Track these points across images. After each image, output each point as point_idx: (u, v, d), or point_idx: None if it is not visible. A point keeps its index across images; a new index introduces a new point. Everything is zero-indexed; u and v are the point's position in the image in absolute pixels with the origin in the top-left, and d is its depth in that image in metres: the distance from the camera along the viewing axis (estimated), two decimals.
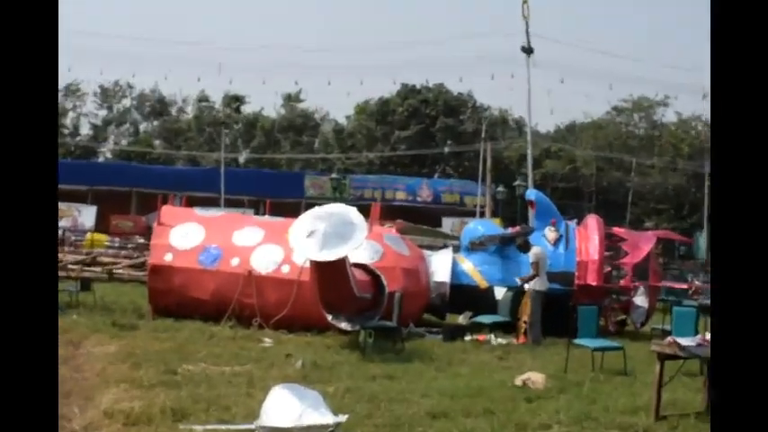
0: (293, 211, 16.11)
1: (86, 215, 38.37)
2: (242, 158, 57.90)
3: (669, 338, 7.98)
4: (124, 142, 61.44)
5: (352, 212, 11.27)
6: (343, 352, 11.39)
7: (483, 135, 45.40)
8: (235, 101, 59.72)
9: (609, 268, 16.19)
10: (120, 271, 21.91)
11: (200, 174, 45.31)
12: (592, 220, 15.94)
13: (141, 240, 27.53)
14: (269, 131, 58.25)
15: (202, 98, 61.38)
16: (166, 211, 15.17)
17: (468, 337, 13.51)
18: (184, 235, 14.31)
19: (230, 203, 38.71)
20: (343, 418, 6.08)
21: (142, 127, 64.29)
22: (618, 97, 56.00)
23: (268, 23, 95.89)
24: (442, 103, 55.49)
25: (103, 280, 16.33)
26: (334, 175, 40.87)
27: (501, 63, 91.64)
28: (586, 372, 10.35)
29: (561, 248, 15.12)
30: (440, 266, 15.46)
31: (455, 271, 15.44)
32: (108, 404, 7.30)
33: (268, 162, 55.18)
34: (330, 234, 10.66)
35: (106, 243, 27.01)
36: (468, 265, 15.56)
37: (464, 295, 15.21)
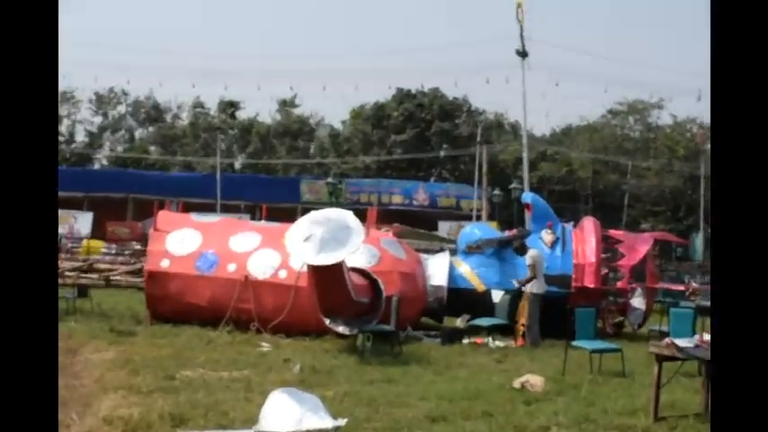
0: (290, 216, 16.07)
1: (82, 222, 38.32)
2: (238, 164, 57.88)
3: (667, 340, 8.00)
4: (120, 149, 61.36)
5: (349, 217, 11.27)
6: (341, 356, 11.39)
7: (479, 139, 45.45)
8: (230, 107, 59.75)
9: (606, 270, 16.22)
10: (117, 277, 21.84)
11: (196, 179, 45.27)
12: (588, 223, 15.96)
13: (138, 247, 27.44)
14: (264, 137, 58.24)
15: (197, 104, 61.37)
16: (163, 216, 15.17)
17: (465, 341, 13.52)
18: (181, 241, 14.30)
19: (227, 209, 38.67)
20: (342, 421, 6.09)
21: (137, 133, 64.22)
22: (613, 100, 56.24)
23: (262, 29, 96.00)
24: (437, 108, 55.55)
25: (100, 286, 16.30)
26: (330, 180, 40.85)
27: (496, 67, 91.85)
28: (584, 374, 10.36)
29: (558, 251, 15.14)
30: (437, 270, 15.46)
31: (452, 274, 15.45)
32: (107, 411, 7.29)
33: (264, 167, 55.15)
34: (327, 238, 10.66)
35: (103, 250, 26.98)
36: (465, 269, 15.57)
37: (461, 298, 15.21)
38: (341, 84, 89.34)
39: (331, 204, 33.79)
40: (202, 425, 6.92)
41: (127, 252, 26.73)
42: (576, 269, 14.90)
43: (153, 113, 63.23)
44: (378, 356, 11.29)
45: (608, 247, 16.30)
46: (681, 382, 9.06)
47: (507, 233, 16.58)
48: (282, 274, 13.52)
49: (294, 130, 59.14)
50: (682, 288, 22.30)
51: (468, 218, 40.82)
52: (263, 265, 13.71)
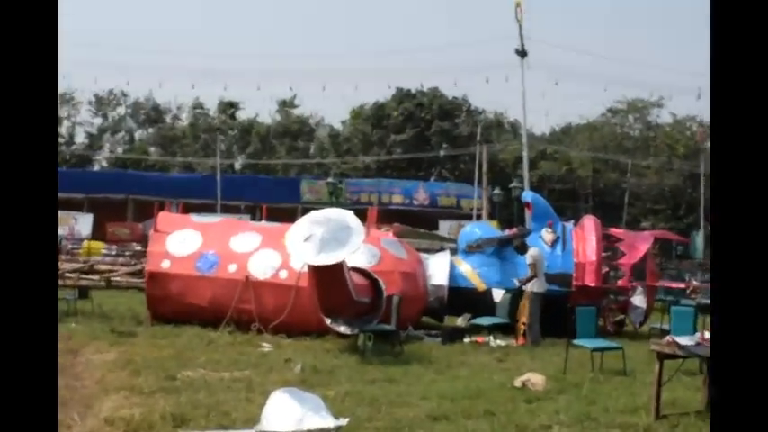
0: (290, 217, 16.08)
1: (83, 223, 38.31)
2: (238, 164, 57.87)
3: (668, 338, 8.00)
4: (119, 150, 61.35)
5: (349, 217, 11.27)
6: (342, 355, 11.39)
7: (478, 138, 45.45)
8: (230, 107, 59.73)
9: (606, 269, 16.22)
10: (118, 278, 21.86)
11: (196, 180, 45.28)
12: (588, 222, 15.97)
13: (138, 248, 27.48)
14: (264, 137, 58.22)
15: (197, 105, 61.35)
16: (163, 217, 15.17)
17: (466, 340, 13.53)
18: (181, 242, 14.31)
19: (227, 209, 38.68)
20: (344, 421, 6.08)
21: (137, 135, 64.20)
22: (613, 99, 56.22)
23: (262, 29, 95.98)
24: (437, 107, 55.54)
25: (101, 288, 16.30)
26: (330, 180, 40.82)
27: (495, 66, 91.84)
28: (586, 372, 10.36)
29: (558, 250, 15.14)
30: (437, 269, 15.47)
31: (453, 274, 15.45)
32: (108, 411, 7.30)
33: (264, 168, 55.14)
34: (327, 238, 10.66)
35: (103, 251, 27.00)
36: (465, 268, 15.56)
37: (462, 298, 15.21)
38: (340, 84, 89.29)
39: (331, 204, 33.79)
40: (204, 425, 6.93)
41: (127, 253, 26.76)
42: (577, 268, 14.91)
43: (153, 114, 63.20)
44: (379, 356, 11.29)
45: (608, 245, 16.30)
46: (682, 380, 9.07)
47: (508, 232, 16.59)
48: (283, 275, 13.52)
49: (294, 130, 59.12)
50: (682, 286, 22.29)
51: (469, 217, 40.83)
52: (263, 266, 13.72)
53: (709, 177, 38.09)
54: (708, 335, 7.37)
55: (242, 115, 60.93)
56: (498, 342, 13.42)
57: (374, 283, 13.14)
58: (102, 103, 61.99)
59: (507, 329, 14.10)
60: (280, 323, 13.18)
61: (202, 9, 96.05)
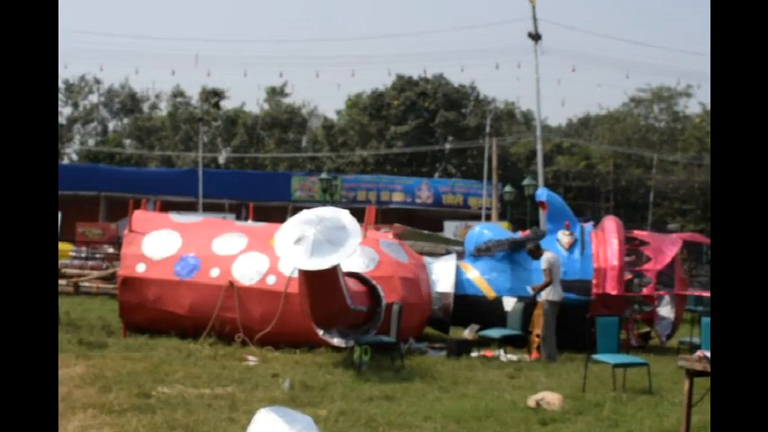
0: (279, 216, 16.05)
1: None
2: (222, 158, 57.90)
3: (698, 353, 7.94)
4: (91, 142, 61.42)
5: (345, 216, 11.24)
6: (336, 371, 11.38)
7: (487, 130, 45.43)
8: (213, 95, 59.73)
9: (630, 275, 16.17)
10: (88, 284, 21.87)
11: (175, 176, 45.25)
12: (610, 222, 15.93)
13: (111, 250, 27.39)
14: (251, 128, 58.24)
15: (177, 93, 61.39)
16: (138, 217, 15.13)
17: (474, 354, 13.51)
18: (158, 243, 14.31)
19: (209, 208, 38.69)
20: None
21: (111, 125, 64.27)
22: (636, 87, 56.28)
23: (248, 10, 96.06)
24: (441, 96, 55.55)
25: (69, 294, 16.30)
26: (323, 176, 40.77)
27: (506, 51, 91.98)
28: (607, 391, 10.34)
29: (576, 254, 15.11)
30: (442, 275, 15.44)
31: (459, 280, 15.42)
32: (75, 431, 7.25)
33: (251, 162, 55.18)
34: (320, 240, 10.63)
35: (71, 253, 26.89)
36: (473, 274, 15.53)
37: (470, 307, 15.19)
38: (335, 70, 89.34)
39: (325, 203, 33.79)
40: None
41: (98, 256, 26.68)
42: (597, 274, 14.87)
43: (128, 103, 63.24)
44: (377, 371, 11.28)
45: (632, 249, 16.25)
46: None
47: (520, 234, 16.53)
48: (271, 280, 13.52)
49: (284, 121, 59.15)
50: None
51: (477, 217, 40.81)
52: (249, 270, 13.71)
53: None
54: None
55: (227, 104, 61.02)
56: (509, 356, 13.40)
57: (372, 290, 13.11)
58: (72, 91, 62.06)
59: (520, 342, 14.09)
60: (267, 334, 13.17)
61: None
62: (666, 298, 15.84)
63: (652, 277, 15.75)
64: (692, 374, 7.70)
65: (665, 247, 15.98)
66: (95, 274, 23.17)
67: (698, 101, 61.51)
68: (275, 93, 60.96)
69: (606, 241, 15.26)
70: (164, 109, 63.38)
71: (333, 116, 61.48)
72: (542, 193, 17.10)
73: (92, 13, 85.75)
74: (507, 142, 51.32)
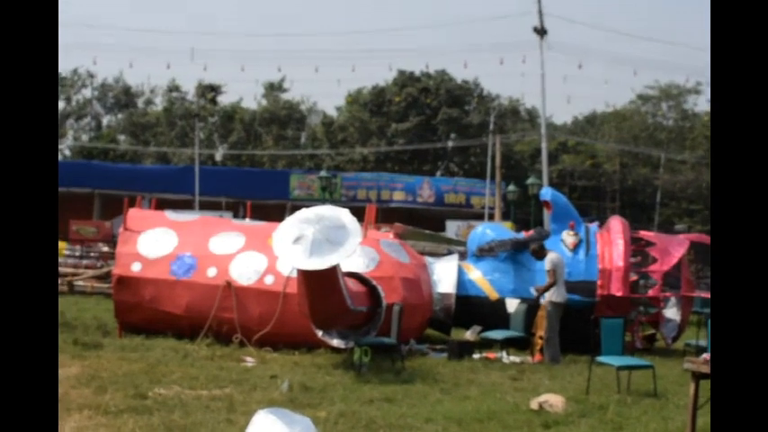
0: (277, 215, 16.11)
1: None
2: (219, 155, 57.86)
3: (704, 355, 8.00)
4: (85, 138, 61.38)
5: (345, 215, 11.27)
6: (335, 372, 11.41)
7: (491, 127, 45.45)
8: (210, 90, 59.68)
9: (635, 277, 16.22)
10: (82, 283, 21.94)
11: (171, 173, 45.26)
12: (616, 223, 15.97)
13: (105, 248, 27.48)
14: (249, 125, 58.22)
15: (173, 87, 61.34)
16: (134, 214, 15.17)
17: (476, 355, 13.54)
18: (154, 242, 14.33)
19: (206, 206, 38.68)
20: None
21: (105, 120, 64.24)
22: (644, 84, 56.15)
23: (247, 3, 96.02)
24: (444, 92, 55.52)
25: (63, 293, 16.35)
26: (323, 174, 40.80)
27: (511, 46, 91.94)
28: (611, 393, 10.38)
29: (581, 254, 15.15)
30: (444, 276, 15.48)
31: (461, 281, 15.46)
32: None
33: (248, 159, 55.17)
34: (320, 240, 10.66)
35: (65, 252, 26.96)
36: (475, 274, 15.57)
37: (472, 308, 15.22)
38: (335, 65, 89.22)
39: (324, 201, 33.80)
40: None
41: (93, 254, 26.78)
42: (602, 275, 14.90)
43: (122, 98, 63.22)
44: (377, 373, 11.31)
45: (638, 250, 16.29)
46: None
47: (523, 234, 16.58)
48: (269, 280, 13.54)
49: (282, 117, 59.11)
50: None
51: (480, 217, 40.83)
52: (247, 270, 13.74)
53: None
54: None
55: (224, 100, 60.99)
56: (512, 358, 13.44)
57: (372, 290, 13.15)
58: (65, 85, 62.01)
59: (522, 344, 14.12)
60: (265, 335, 13.20)
61: None
62: (672, 300, 15.86)
63: (658, 279, 15.78)
64: (698, 377, 7.76)
65: (672, 248, 16.02)
66: (90, 273, 23.23)
67: (707, 99, 61.35)
68: (273, 88, 60.90)
69: (612, 242, 15.30)
70: (159, 104, 63.36)
71: (332, 112, 61.48)
72: (547, 193, 17.15)
73: (85, 4, 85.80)
74: (511, 140, 51.29)
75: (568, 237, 15.36)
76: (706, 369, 7.65)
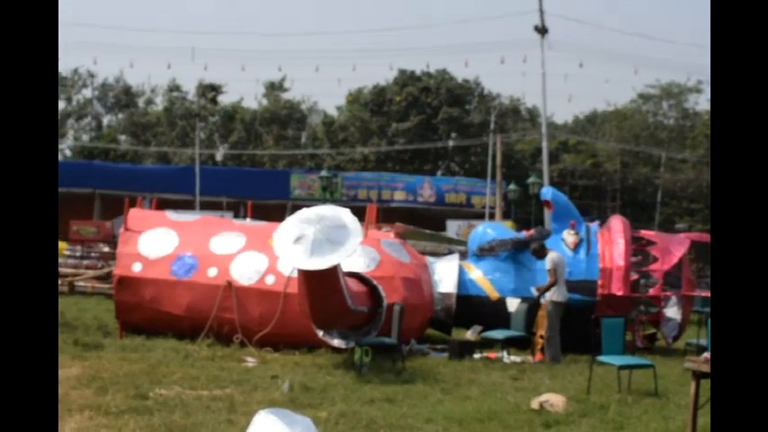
0: (278, 214, 16.12)
1: None
2: (219, 155, 57.85)
3: (705, 354, 8.01)
4: (85, 138, 61.39)
5: (345, 215, 11.28)
6: (336, 372, 11.42)
7: (492, 127, 45.44)
8: (210, 90, 59.70)
9: (636, 276, 16.22)
10: (83, 283, 21.95)
11: (172, 173, 45.27)
12: (616, 222, 15.97)
13: (106, 249, 27.49)
14: (249, 124, 58.22)
15: (173, 87, 61.35)
16: (134, 215, 15.18)
17: (477, 355, 13.55)
18: (155, 242, 14.34)
19: (207, 206, 38.70)
20: None
21: (106, 120, 64.25)
22: (644, 83, 56.19)
23: (247, 2, 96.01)
24: (445, 92, 55.53)
25: (64, 294, 16.36)
26: (323, 173, 40.81)
27: (512, 45, 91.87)
28: (612, 393, 10.39)
29: (582, 254, 15.15)
30: (445, 275, 15.49)
31: (462, 280, 15.47)
32: None
33: (249, 159, 55.18)
34: (320, 239, 10.67)
35: (66, 252, 26.98)
36: (476, 274, 15.58)
37: (472, 308, 15.23)
38: (336, 64, 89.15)
39: (325, 201, 33.81)
40: None
41: (93, 255, 26.79)
42: (603, 274, 14.91)
43: (123, 98, 63.22)
44: (378, 373, 11.32)
45: (638, 249, 16.29)
46: None
47: (524, 234, 16.58)
48: (270, 280, 13.55)
49: (283, 116, 59.12)
50: None
51: (480, 216, 40.83)
52: (247, 270, 13.74)
53: None
54: None
55: (224, 99, 61.01)
56: (513, 358, 13.44)
57: (373, 290, 13.15)
58: (65, 85, 62.02)
59: (523, 344, 14.12)
60: (266, 335, 13.20)
61: None
62: (673, 299, 15.86)
63: (659, 278, 15.78)
64: (699, 376, 7.76)
65: (673, 248, 16.03)
66: (90, 273, 23.24)
67: (708, 97, 61.35)
68: (274, 87, 60.90)
69: (612, 241, 15.30)
70: (159, 104, 63.38)
71: (333, 112, 61.51)
72: (547, 192, 17.15)
73: (85, 4, 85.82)
74: (512, 139, 51.29)
75: (569, 236, 15.36)
76: (707, 368, 7.65)
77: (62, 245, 29.03)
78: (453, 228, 38.63)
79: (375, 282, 13.28)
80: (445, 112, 54.22)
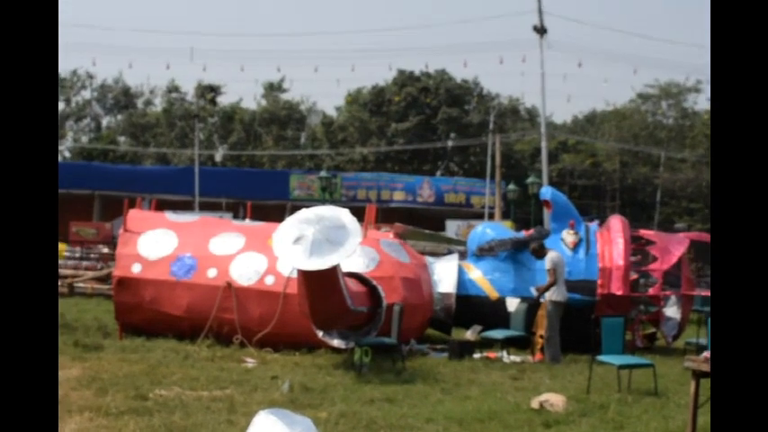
0: (277, 215, 16.12)
1: None
2: (218, 156, 57.86)
3: (705, 354, 8.01)
4: (84, 139, 61.39)
5: (345, 215, 11.28)
6: (336, 373, 11.42)
7: (491, 127, 45.47)
8: (209, 91, 59.68)
9: (636, 275, 16.22)
10: (82, 284, 21.95)
11: (171, 174, 45.28)
12: (616, 222, 15.97)
13: (105, 250, 27.49)
14: (249, 125, 58.23)
15: (172, 88, 61.35)
16: (133, 216, 15.18)
17: (477, 355, 13.55)
18: (154, 243, 14.34)
19: (206, 206, 38.69)
20: None
21: (105, 122, 64.25)
22: (644, 82, 56.18)
23: (246, 3, 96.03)
24: (444, 92, 55.54)
25: (64, 295, 16.36)
26: (323, 174, 40.81)
27: (511, 45, 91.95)
28: (612, 392, 10.39)
29: (581, 253, 15.15)
30: (444, 275, 15.49)
31: (462, 280, 15.47)
32: None
33: (248, 160, 55.19)
34: (320, 240, 10.68)
35: (65, 253, 26.98)
36: (476, 274, 15.58)
37: (472, 307, 15.23)
38: (335, 65, 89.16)
39: (324, 201, 33.81)
40: None
41: (93, 256, 26.79)
42: (602, 274, 14.91)
43: (122, 99, 63.21)
44: (378, 373, 11.32)
45: (638, 248, 16.30)
46: None
47: (524, 234, 16.59)
48: (269, 280, 13.55)
49: (282, 117, 59.13)
50: None
51: (480, 216, 40.84)
52: (247, 270, 13.74)
53: None
54: None
55: (223, 100, 61.01)
56: (513, 358, 13.45)
57: (372, 290, 13.16)
58: (64, 86, 62.00)
59: (523, 344, 14.13)
60: (265, 335, 13.21)
61: None
62: (673, 298, 15.86)
63: (658, 277, 15.79)
64: (699, 376, 7.77)
65: (672, 247, 16.03)
66: (90, 274, 23.24)
67: (707, 97, 61.32)
68: (273, 88, 60.91)
69: (612, 241, 15.30)
70: (158, 105, 63.38)
71: (332, 112, 61.52)
72: (547, 192, 17.15)
73: (84, 5, 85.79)
74: (511, 139, 51.31)
75: (568, 236, 15.37)
76: (706, 368, 7.66)
77: (62, 246, 29.03)
78: (453, 228, 38.64)
79: (375, 282, 13.28)
80: (444, 113, 54.22)
